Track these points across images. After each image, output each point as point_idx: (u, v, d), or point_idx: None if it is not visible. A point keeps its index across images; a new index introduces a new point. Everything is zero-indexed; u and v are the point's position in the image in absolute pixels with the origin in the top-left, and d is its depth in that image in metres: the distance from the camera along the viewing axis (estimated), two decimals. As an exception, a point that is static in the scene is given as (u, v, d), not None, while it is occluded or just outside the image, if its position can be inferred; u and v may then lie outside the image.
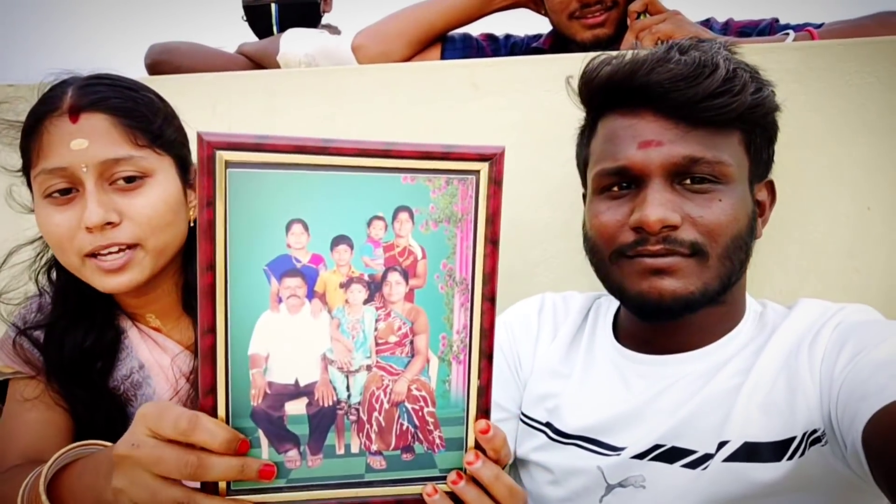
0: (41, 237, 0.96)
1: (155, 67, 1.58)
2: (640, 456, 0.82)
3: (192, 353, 0.98)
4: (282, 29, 1.76)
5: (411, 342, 0.56)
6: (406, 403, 0.57)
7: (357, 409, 0.56)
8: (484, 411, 0.58)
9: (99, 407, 0.94)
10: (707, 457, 0.78)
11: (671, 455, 0.80)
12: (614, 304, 0.99)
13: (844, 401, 0.68)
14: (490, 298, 0.56)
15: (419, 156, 0.52)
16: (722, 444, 0.77)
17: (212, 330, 0.50)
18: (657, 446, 0.81)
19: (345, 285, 0.53)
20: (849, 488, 0.75)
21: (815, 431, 0.74)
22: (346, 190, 0.52)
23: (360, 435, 0.56)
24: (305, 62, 1.48)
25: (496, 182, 0.54)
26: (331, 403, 0.55)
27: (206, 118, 0.96)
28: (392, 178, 0.52)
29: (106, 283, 0.87)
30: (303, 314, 0.53)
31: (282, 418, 0.54)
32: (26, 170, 0.90)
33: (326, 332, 0.54)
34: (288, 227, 0.51)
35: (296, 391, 0.54)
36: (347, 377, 0.55)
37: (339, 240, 0.52)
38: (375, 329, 0.55)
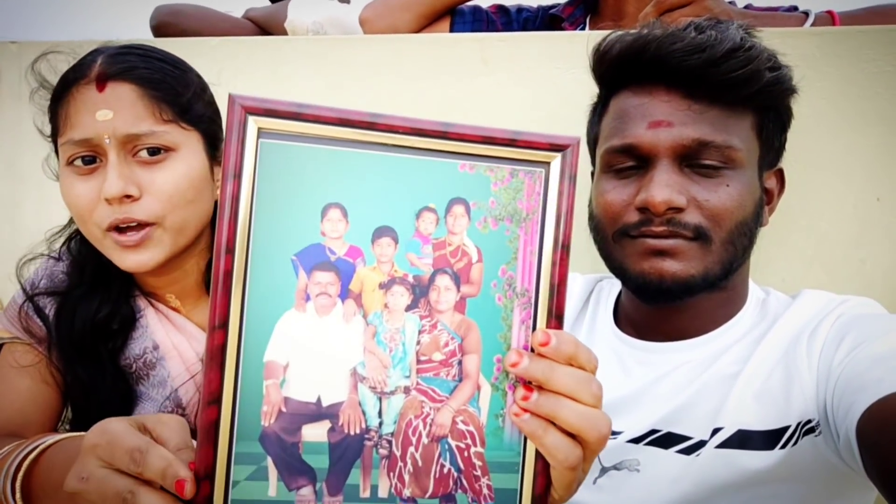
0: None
1: (160, 29, 1.56)
2: (636, 440, 0.82)
3: None
4: (293, -5, 1.73)
5: (459, 363, 0.47)
6: (449, 439, 0.47)
7: (389, 442, 0.46)
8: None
9: (102, 385, 0.91)
10: (701, 443, 0.78)
11: (666, 440, 0.80)
12: (615, 288, 0.99)
13: (841, 392, 0.68)
14: (558, 316, 0.47)
15: (480, 140, 0.45)
16: (716, 431, 0.77)
17: (224, 325, 0.42)
18: (653, 431, 0.81)
19: (385, 286, 0.45)
20: (839, 478, 0.75)
21: (809, 422, 0.74)
22: (393, 174, 0.44)
23: (391, 475, 0.46)
24: (313, 30, 1.46)
25: (570, 177, 0.46)
26: (358, 431, 0.46)
27: (210, 83, 0.95)
28: (448, 165, 0.45)
29: (125, 260, 0.85)
30: (333, 317, 0.45)
31: (297, 445, 0.45)
32: (54, 136, 0.89)
33: (360, 342, 0.45)
34: (324, 212, 0.44)
35: (317, 412, 0.45)
36: (380, 400, 0.46)
37: (382, 231, 0.45)
38: (418, 343, 0.46)
